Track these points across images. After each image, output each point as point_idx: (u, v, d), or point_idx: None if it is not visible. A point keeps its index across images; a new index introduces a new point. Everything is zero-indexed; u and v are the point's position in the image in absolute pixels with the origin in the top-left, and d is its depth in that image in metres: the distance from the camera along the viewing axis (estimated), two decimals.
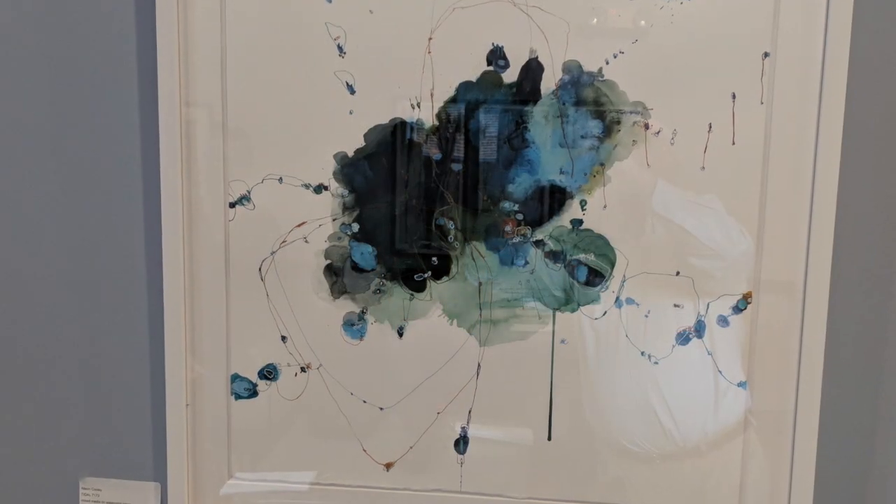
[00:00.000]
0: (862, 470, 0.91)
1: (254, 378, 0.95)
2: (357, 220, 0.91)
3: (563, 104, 0.86)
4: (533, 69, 0.86)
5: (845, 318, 0.88)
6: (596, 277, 0.89)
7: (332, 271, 0.92)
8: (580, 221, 0.88)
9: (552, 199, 0.88)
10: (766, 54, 0.84)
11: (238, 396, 0.95)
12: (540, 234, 0.89)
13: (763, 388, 0.88)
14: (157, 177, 0.91)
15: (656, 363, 0.89)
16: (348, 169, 0.90)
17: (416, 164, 0.89)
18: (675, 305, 0.88)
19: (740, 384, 0.89)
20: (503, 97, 0.87)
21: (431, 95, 0.87)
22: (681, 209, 0.86)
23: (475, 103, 0.87)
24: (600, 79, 0.86)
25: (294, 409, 0.94)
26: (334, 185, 0.90)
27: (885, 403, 0.89)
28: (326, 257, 0.92)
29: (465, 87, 0.87)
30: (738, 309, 0.88)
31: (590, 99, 0.86)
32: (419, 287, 0.91)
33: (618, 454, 0.91)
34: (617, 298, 0.89)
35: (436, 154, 0.89)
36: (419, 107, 0.88)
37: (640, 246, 0.88)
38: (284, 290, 0.93)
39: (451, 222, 0.89)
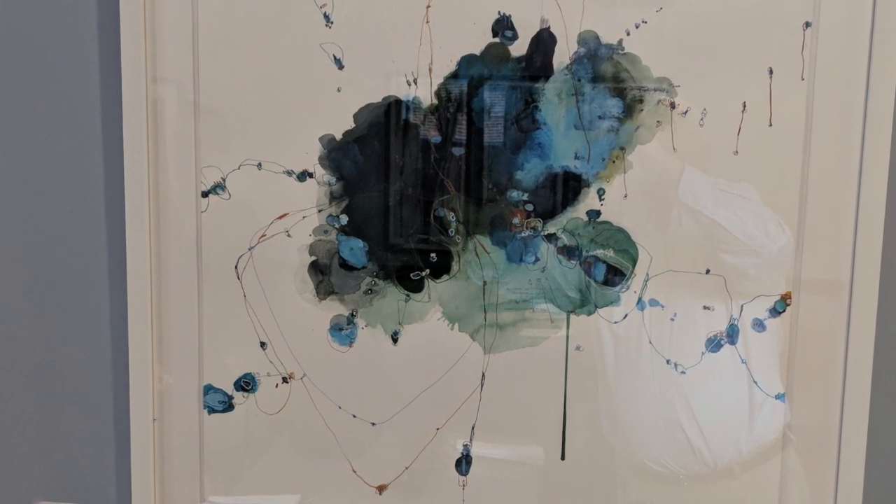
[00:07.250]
0: None
1: (229, 389, 0.93)
2: (346, 211, 0.89)
3: (579, 80, 0.85)
4: (544, 41, 0.84)
5: None
6: (615, 276, 0.87)
7: (317, 269, 0.90)
8: (598, 213, 0.86)
9: (566, 187, 0.86)
10: (808, 24, 0.82)
11: (211, 410, 0.93)
12: (552, 228, 0.87)
13: (804, 401, 0.87)
14: (121, 162, 0.89)
15: (683, 372, 0.87)
16: (336, 154, 0.88)
17: (412, 148, 0.87)
18: (705, 308, 0.87)
19: (778, 396, 0.87)
20: (510, 73, 0.85)
21: (430, 71, 0.86)
22: (711, 199, 0.85)
23: (479, 79, 0.86)
24: (620, 52, 0.84)
25: (275, 424, 0.93)
26: (320, 172, 0.88)
27: None
28: (311, 253, 0.90)
29: (467, 61, 0.85)
30: (775, 311, 0.86)
31: (608, 75, 0.84)
32: (416, 287, 0.89)
33: (640, 475, 0.89)
34: (639, 300, 0.87)
35: (435, 137, 0.87)
36: (416, 83, 0.86)
37: (665, 241, 0.86)
38: (264, 291, 0.91)
39: (452, 214, 0.87)
